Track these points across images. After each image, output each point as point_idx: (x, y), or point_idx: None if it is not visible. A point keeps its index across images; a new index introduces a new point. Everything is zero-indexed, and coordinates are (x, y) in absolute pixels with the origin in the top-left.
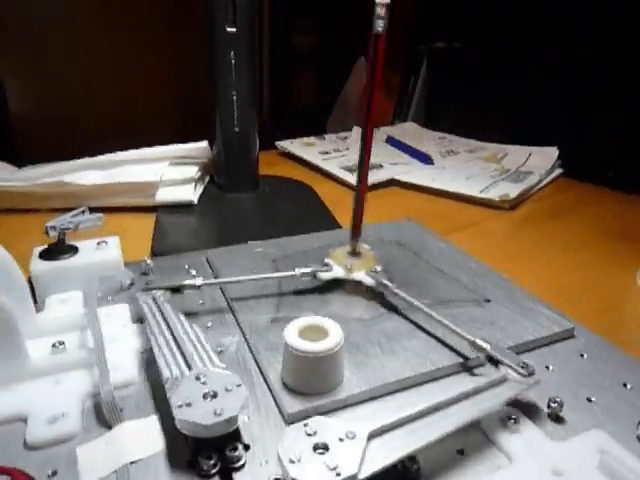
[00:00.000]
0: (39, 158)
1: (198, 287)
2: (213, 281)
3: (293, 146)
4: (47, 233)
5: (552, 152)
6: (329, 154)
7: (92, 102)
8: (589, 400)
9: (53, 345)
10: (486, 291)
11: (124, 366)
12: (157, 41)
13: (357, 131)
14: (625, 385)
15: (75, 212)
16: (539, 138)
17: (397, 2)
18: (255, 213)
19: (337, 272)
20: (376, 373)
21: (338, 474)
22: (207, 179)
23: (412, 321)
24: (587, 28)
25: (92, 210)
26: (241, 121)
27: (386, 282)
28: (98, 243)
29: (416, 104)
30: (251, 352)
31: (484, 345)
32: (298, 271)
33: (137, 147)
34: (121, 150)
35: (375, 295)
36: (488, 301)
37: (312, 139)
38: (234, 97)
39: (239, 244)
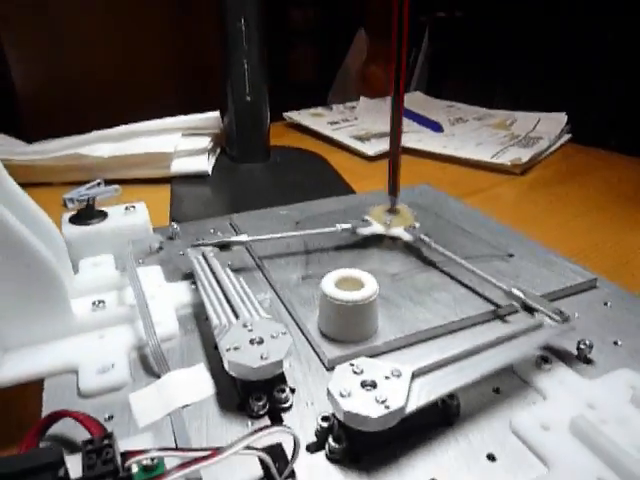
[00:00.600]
0: (45, 134)
1: (244, 243)
2: (258, 237)
3: (301, 117)
4: (65, 205)
5: (561, 117)
6: (338, 124)
7: (94, 72)
8: (615, 343)
9: (93, 303)
10: (509, 247)
11: (165, 321)
12: (162, 9)
13: (364, 101)
14: None
15: (91, 184)
16: (544, 105)
17: None
18: (269, 182)
19: (376, 228)
20: (409, 323)
21: (387, 407)
22: (219, 150)
23: (445, 273)
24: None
25: (107, 182)
26: (253, 90)
27: (424, 237)
28: (126, 208)
29: (418, 74)
30: (285, 307)
31: (519, 294)
32: (339, 227)
33: (145, 118)
34: (129, 122)
35: (412, 250)
36: (511, 256)
37: (319, 109)
38: (245, 66)
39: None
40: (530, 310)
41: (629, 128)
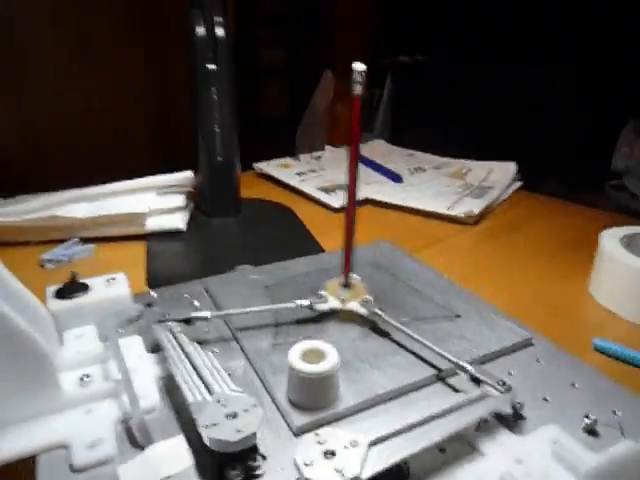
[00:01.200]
0: (16, 189)
1: (207, 319)
2: (220, 313)
3: (270, 167)
4: (43, 265)
5: (511, 167)
6: (305, 174)
7: (64, 131)
8: (545, 399)
9: (80, 378)
10: (456, 307)
11: (147, 394)
12: (134, 75)
13: (330, 150)
14: (573, 385)
15: (68, 244)
16: (497, 151)
17: (360, 17)
18: (241, 238)
19: (332, 304)
20: (367, 386)
21: (343, 475)
22: (192, 205)
23: (397, 341)
24: (539, 53)
25: (84, 240)
26: (224, 151)
27: (378, 311)
28: (107, 280)
29: (382, 117)
30: (257, 374)
31: (467, 366)
32: (297, 303)
33: (117, 178)
34: (99, 179)
35: (367, 321)
36: (458, 316)
37: (288, 160)
38: (217, 130)
39: (231, 270)
40: (476, 380)
41: (572, 175)
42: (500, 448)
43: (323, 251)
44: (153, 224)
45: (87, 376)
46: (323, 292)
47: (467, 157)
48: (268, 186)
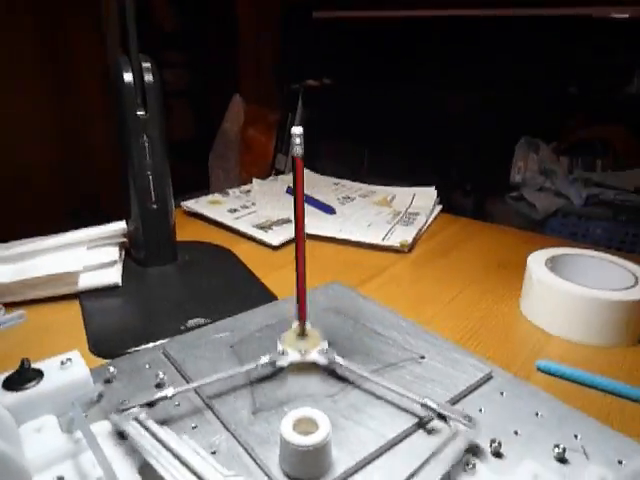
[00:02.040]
0: None
1: (171, 397)
2: (183, 388)
3: (199, 206)
4: None
5: (431, 192)
6: (238, 211)
7: None
8: (516, 433)
9: None
10: (419, 348)
11: None
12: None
13: (258, 183)
14: (537, 414)
15: None
16: (406, 169)
17: (265, 41)
18: (183, 286)
19: (292, 357)
20: (357, 447)
21: None
22: (123, 255)
23: (367, 391)
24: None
25: (7, 306)
26: (158, 198)
27: (338, 360)
28: (62, 362)
29: None
30: (243, 448)
31: (433, 405)
32: (260, 361)
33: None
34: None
35: (328, 370)
36: (423, 357)
37: (217, 196)
38: (150, 176)
39: (182, 324)
40: (443, 418)
41: (476, 189)
42: None
43: (271, 293)
44: (87, 281)
45: (61, 479)
46: (281, 347)
47: (379, 175)
48: (198, 225)
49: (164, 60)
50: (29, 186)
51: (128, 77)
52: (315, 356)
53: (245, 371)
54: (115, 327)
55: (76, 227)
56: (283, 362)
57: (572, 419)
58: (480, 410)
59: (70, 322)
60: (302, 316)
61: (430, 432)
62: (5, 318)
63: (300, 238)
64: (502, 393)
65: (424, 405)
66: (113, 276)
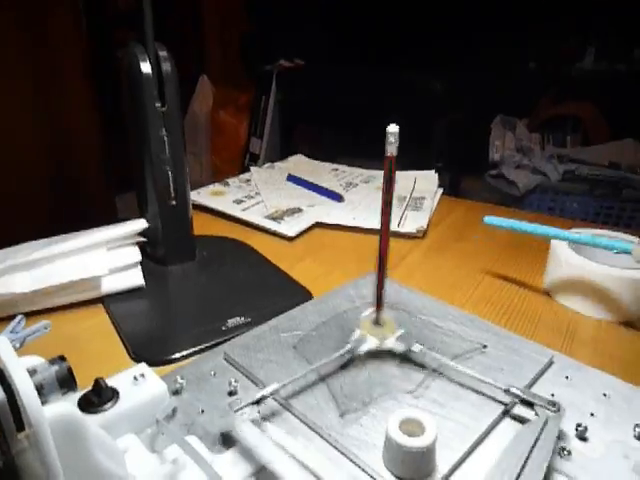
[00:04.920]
0: None
1: (271, 395)
2: (280, 385)
3: (202, 197)
4: None
5: (432, 176)
6: (244, 202)
7: None
8: (592, 415)
9: None
10: (478, 338)
11: None
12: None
13: (256, 171)
14: (605, 395)
15: (12, 324)
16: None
17: (230, 20)
18: (209, 285)
19: (371, 344)
20: (452, 442)
21: None
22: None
23: (445, 382)
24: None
25: (27, 315)
26: (177, 194)
27: (416, 347)
28: (135, 378)
29: (270, 122)
30: (340, 452)
31: (518, 392)
32: (340, 352)
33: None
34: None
35: (402, 357)
36: (485, 347)
37: (217, 187)
38: (169, 172)
39: (221, 323)
40: (529, 404)
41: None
42: (582, 472)
43: (302, 287)
44: (110, 285)
45: None
46: (359, 332)
47: (357, 156)
48: (204, 218)
49: (119, 41)
50: (11, 169)
51: (146, 68)
52: (393, 343)
53: (318, 367)
54: (152, 331)
55: (61, 213)
56: (363, 349)
57: (638, 399)
58: (552, 395)
59: (100, 329)
60: (379, 304)
61: (516, 419)
62: (30, 330)
63: (385, 232)
64: (567, 377)
65: (508, 391)
66: (137, 278)
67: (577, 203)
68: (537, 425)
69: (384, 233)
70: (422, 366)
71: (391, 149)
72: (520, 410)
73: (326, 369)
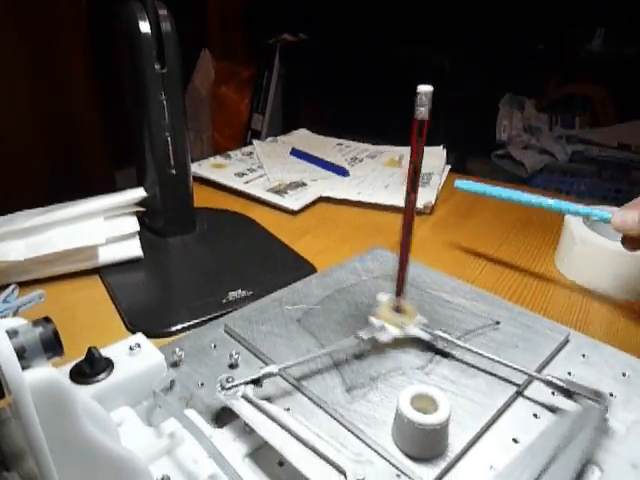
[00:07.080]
0: None
1: (276, 374)
2: (288, 364)
3: (203, 169)
4: None
5: (440, 151)
6: (247, 175)
7: None
8: (611, 395)
9: None
10: (491, 314)
11: None
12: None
13: (259, 145)
14: (624, 374)
15: (5, 294)
16: (390, 125)
17: None
18: (209, 257)
19: (393, 332)
20: (465, 420)
21: None
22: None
23: (456, 360)
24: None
25: (22, 285)
26: (177, 162)
27: (442, 334)
28: (130, 348)
29: (273, 98)
30: (347, 429)
31: (560, 383)
32: (360, 337)
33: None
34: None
35: (425, 345)
36: (498, 323)
37: (219, 159)
38: (168, 138)
39: (222, 297)
40: (567, 393)
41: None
42: (613, 458)
43: (307, 262)
44: (108, 255)
45: (167, 479)
46: (378, 321)
47: (361, 133)
48: (205, 190)
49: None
50: (9, 137)
51: (145, 27)
52: (416, 331)
53: (331, 352)
54: (150, 303)
55: (61, 183)
56: (384, 337)
57: None
58: (569, 374)
59: (96, 300)
60: (400, 291)
61: (541, 404)
62: (24, 299)
63: (410, 209)
64: (584, 355)
65: (547, 382)
66: (135, 248)
67: (585, 185)
68: (577, 417)
69: (409, 210)
70: (439, 350)
71: (422, 111)
72: (536, 392)
73: (339, 354)
